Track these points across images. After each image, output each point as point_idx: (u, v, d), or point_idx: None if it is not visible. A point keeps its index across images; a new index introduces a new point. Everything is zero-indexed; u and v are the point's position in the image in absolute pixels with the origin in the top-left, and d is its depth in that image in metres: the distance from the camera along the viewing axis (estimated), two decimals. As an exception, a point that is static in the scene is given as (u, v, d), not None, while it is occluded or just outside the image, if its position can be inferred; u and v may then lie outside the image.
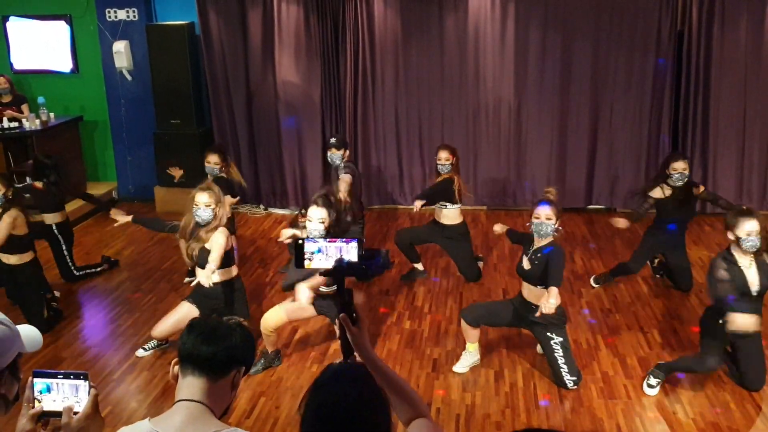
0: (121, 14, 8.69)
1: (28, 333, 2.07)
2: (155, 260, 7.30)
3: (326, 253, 2.43)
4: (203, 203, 5.04)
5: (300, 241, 2.45)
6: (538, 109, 8.33)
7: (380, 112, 8.55)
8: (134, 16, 8.66)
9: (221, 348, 2.06)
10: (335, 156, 6.62)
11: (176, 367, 2.10)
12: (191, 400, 2.04)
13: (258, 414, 4.66)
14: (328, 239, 2.47)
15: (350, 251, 2.43)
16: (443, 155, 6.27)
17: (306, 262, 2.49)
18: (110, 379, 5.11)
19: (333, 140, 6.75)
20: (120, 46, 8.59)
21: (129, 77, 8.82)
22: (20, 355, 2.02)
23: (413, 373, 5.04)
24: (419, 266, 6.68)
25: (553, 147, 8.43)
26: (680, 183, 5.92)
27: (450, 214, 6.37)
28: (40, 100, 8.52)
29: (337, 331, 4.77)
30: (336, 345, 5.44)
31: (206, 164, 6.42)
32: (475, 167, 8.57)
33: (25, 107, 8.63)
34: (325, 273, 2.49)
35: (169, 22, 8.57)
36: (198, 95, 8.71)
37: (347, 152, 6.77)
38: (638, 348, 5.34)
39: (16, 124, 8.17)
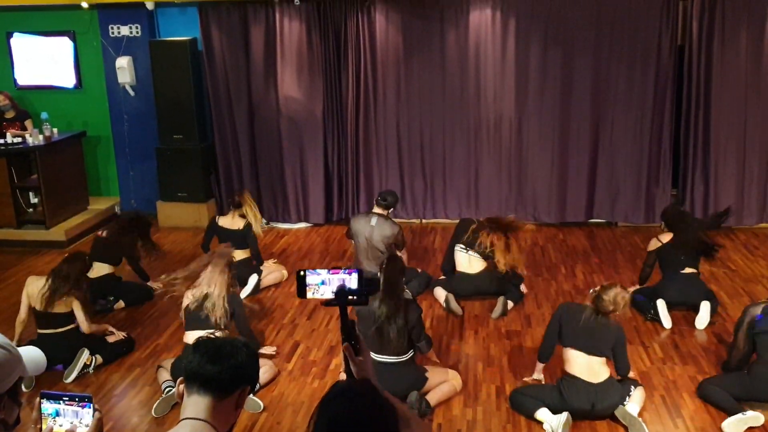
0: (125, 30, 8.75)
1: (32, 356, 2.08)
2: (157, 275, 7.29)
3: (329, 284, 2.49)
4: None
5: (302, 273, 2.50)
6: (539, 123, 8.37)
7: (382, 127, 8.59)
8: (137, 32, 8.73)
9: (226, 367, 2.07)
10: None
11: (182, 386, 2.12)
12: (196, 419, 2.05)
13: (259, 430, 4.66)
14: (330, 270, 2.53)
15: (352, 281, 2.49)
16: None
17: (309, 294, 2.54)
18: (112, 395, 5.11)
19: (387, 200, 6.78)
20: (123, 62, 8.64)
21: (132, 92, 8.88)
22: (21, 379, 2.02)
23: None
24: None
25: (554, 161, 8.45)
26: None
27: None
28: (44, 115, 8.57)
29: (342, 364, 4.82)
30: (337, 360, 5.45)
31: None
32: (476, 182, 8.60)
33: (28, 123, 8.68)
34: (327, 303, 2.55)
35: (172, 38, 8.63)
36: (200, 110, 8.76)
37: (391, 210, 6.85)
38: (639, 362, 5.33)
39: (19, 139, 8.22)
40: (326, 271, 2.54)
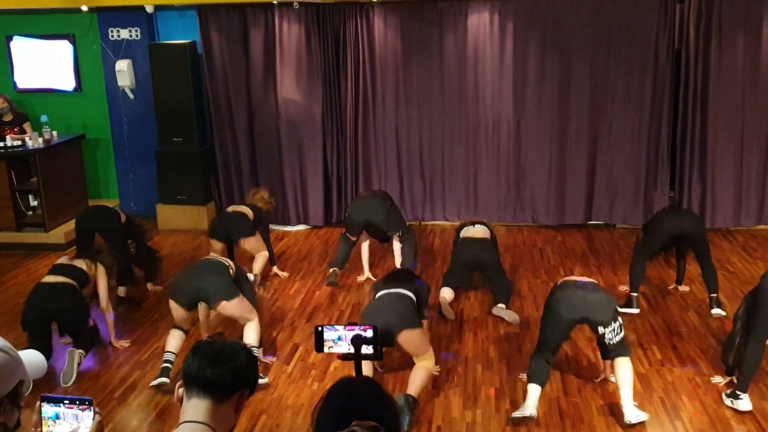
0: (124, 33, 8.77)
1: (32, 360, 2.09)
2: (159, 280, 7.33)
3: (345, 340, 2.56)
4: None
5: (320, 329, 2.57)
6: (537, 126, 8.39)
7: (381, 129, 8.61)
8: (137, 36, 8.75)
9: (226, 370, 2.08)
10: None
11: (181, 390, 2.13)
12: (196, 422, 2.06)
13: (259, 432, 4.67)
14: (346, 327, 2.59)
15: (367, 335, 2.56)
16: None
17: (326, 348, 2.61)
18: (111, 398, 5.12)
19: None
20: (122, 65, 8.66)
21: (131, 96, 8.89)
22: (21, 383, 2.02)
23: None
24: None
25: (552, 164, 8.47)
26: None
27: None
28: (43, 118, 8.59)
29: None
30: (336, 363, 5.46)
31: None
32: (474, 184, 8.62)
33: (27, 126, 8.70)
34: (344, 357, 2.62)
35: (172, 42, 8.65)
36: (200, 113, 8.78)
37: None
38: (638, 364, 5.34)
39: (19, 142, 8.23)
40: (342, 327, 2.61)
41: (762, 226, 8.32)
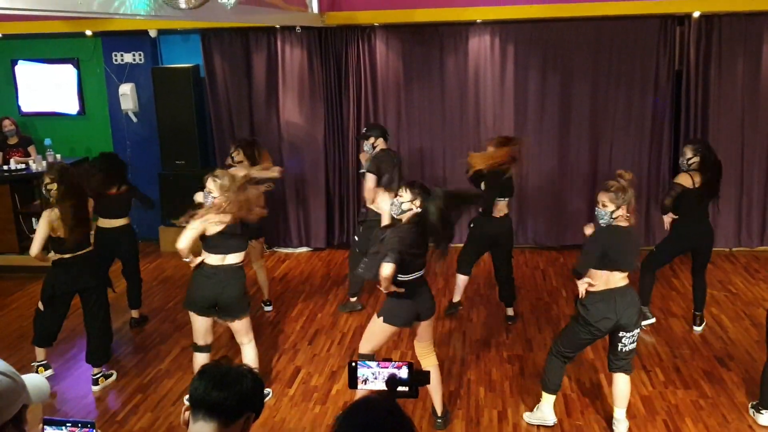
0: (128, 57, 8.85)
1: (36, 384, 2.09)
2: (159, 300, 7.34)
3: (379, 377, 2.55)
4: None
5: (354, 365, 2.57)
6: (538, 148, 8.42)
7: (382, 151, 8.63)
8: (140, 60, 8.83)
9: (232, 393, 2.09)
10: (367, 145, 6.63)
11: (187, 413, 2.13)
12: None
13: (261, 456, 4.64)
14: (380, 364, 2.59)
15: (402, 374, 2.56)
16: None
17: (360, 384, 2.62)
18: (113, 421, 5.10)
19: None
20: (126, 89, 8.73)
21: (134, 119, 8.95)
22: (25, 407, 2.03)
23: (416, 414, 5.03)
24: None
25: (553, 185, 8.49)
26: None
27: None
28: (47, 141, 8.64)
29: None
30: (338, 386, 5.44)
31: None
32: (476, 206, 8.61)
33: (32, 149, 8.75)
34: (378, 395, 2.61)
35: (175, 65, 8.72)
36: (203, 136, 8.83)
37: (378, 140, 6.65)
38: (641, 387, 5.33)
39: (22, 165, 8.28)
40: (376, 363, 2.61)
41: (764, 247, 8.32)
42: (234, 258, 4.92)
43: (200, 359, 5.06)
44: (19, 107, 9.30)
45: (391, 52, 8.39)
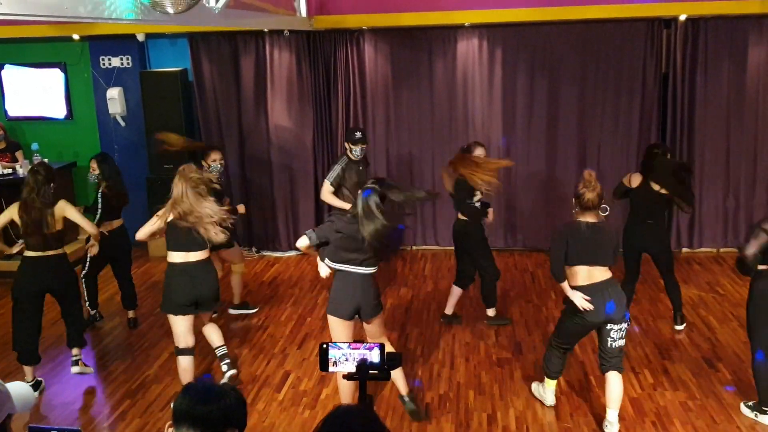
0: (115, 61, 8.82)
1: (20, 393, 2.07)
2: (148, 305, 7.30)
3: (350, 358, 2.56)
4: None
5: (324, 346, 2.58)
6: (527, 150, 8.45)
7: (372, 155, 8.63)
8: (128, 63, 8.79)
9: (215, 408, 2.10)
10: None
11: (170, 430, 2.13)
12: None
13: (250, 461, 4.63)
14: (351, 345, 2.60)
15: (373, 356, 2.56)
16: None
17: (330, 366, 2.61)
18: (101, 428, 5.08)
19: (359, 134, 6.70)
20: (114, 93, 8.70)
21: (122, 123, 8.92)
22: (10, 417, 2.01)
23: (406, 418, 5.02)
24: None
25: (541, 187, 8.52)
26: None
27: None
28: (34, 146, 8.58)
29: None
30: (328, 390, 5.44)
31: (212, 163, 6.64)
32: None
33: (19, 154, 8.69)
34: (349, 376, 2.63)
35: (163, 69, 8.69)
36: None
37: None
38: (630, 389, 5.34)
39: (9, 170, 8.22)
40: (347, 345, 2.61)
41: (751, 249, 8.35)
42: (196, 256, 5.10)
43: (184, 363, 5.16)
44: (6, 112, 9.25)
45: (380, 56, 8.40)
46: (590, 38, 8.11)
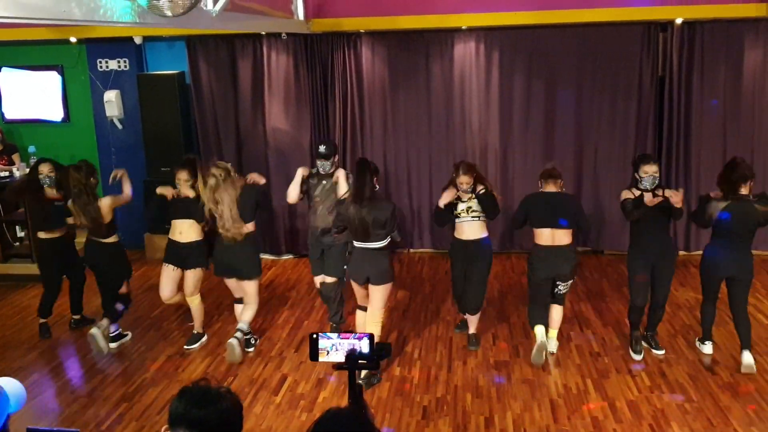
0: (113, 64, 8.82)
1: (12, 390, 2.07)
2: (144, 308, 7.30)
3: (340, 348, 2.57)
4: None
5: (315, 336, 2.58)
6: (524, 153, 8.47)
7: (369, 157, 8.60)
8: (125, 66, 8.79)
9: (212, 411, 2.10)
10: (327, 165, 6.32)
11: None
12: None
13: (247, 464, 4.62)
14: (340, 335, 2.60)
15: (363, 346, 2.57)
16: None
17: (320, 356, 2.62)
18: (99, 430, 5.06)
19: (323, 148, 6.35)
20: (111, 96, 8.70)
21: (119, 126, 8.91)
22: (8, 418, 2.01)
23: (403, 421, 5.03)
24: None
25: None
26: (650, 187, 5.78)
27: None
28: (31, 149, 8.58)
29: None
30: (325, 393, 5.43)
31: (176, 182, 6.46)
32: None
33: (16, 157, 8.68)
34: (338, 366, 2.63)
35: (160, 72, 8.69)
36: (188, 143, 8.80)
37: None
38: (627, 391, 5.35)
39: (6, 173, 8.21)
40: (337, 335, 2.62)
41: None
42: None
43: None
44: (2, 114, 9.24)
45: (377, 59, 8.41)
46: (587, 42, 8.13)
